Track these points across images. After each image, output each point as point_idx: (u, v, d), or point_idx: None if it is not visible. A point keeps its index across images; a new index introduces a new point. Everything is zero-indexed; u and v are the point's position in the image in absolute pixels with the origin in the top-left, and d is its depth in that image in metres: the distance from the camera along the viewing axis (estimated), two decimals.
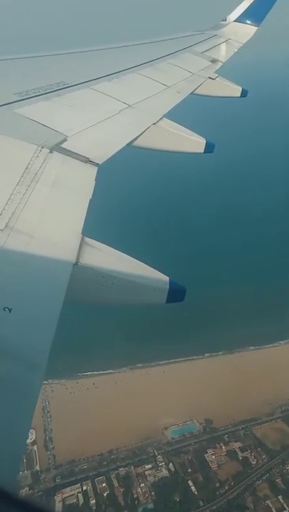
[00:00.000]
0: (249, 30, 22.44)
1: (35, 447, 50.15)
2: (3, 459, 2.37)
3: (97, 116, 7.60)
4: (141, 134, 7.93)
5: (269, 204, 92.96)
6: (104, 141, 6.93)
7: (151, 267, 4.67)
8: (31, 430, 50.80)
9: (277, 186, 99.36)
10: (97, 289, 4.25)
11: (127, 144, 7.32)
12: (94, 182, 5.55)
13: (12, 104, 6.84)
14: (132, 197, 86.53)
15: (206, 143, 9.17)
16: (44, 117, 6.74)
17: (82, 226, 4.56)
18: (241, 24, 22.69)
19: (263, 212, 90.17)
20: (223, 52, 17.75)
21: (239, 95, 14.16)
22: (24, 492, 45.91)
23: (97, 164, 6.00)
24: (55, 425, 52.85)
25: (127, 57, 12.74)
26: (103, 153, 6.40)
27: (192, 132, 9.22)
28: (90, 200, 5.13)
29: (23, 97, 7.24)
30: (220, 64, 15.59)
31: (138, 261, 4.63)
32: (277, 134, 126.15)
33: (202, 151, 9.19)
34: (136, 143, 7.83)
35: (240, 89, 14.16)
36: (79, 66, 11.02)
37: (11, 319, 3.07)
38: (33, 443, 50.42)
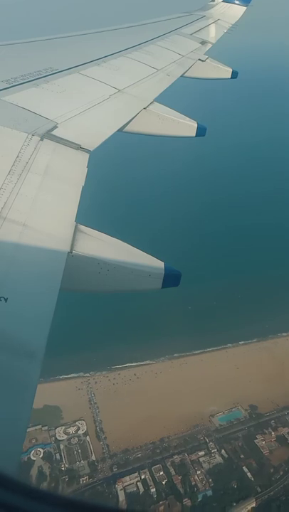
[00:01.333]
0: (238, 10, 22.20)
1: (87, 438, 50.82)
2: (3, 448, 2.38)
3: (87, 102, 7.51)
4: (132, 119, 7.86)
5: (263, 187, 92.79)
6: (95, 128, 6.86)
7: (146, 253, 4.67)
8: (82, 421, 52.10)
9: (271, 172, 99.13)
10: (93, 276, 4.24)
11: (118, 130, 7.25)
12: (86, 169, 5.50)
13: (0, 92, 6.74)
14: (124, 183, 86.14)
15: (198, 126, 9.11)
16: (33, 104, 6.65)
17: (75, 214, 4.53)
18: (230, 4, 22.42)
19: (260, 196, 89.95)
20: (213, 34, 17.55)
21: (230, 77, 14.05)
22: (84, 481, 47.00)
23: (88, 151, 5.94)
24: (104, 416, 53.41)
25: (115, 41, 12.57)
26: (94, 139, 6.33)
27: (183, 116, 9.15)
28: (83, 187, 5.09)
29: (11, 84, 7.13)
30: (209, 45, 15.44)
31: (133, 247, 4.62)
32: (270, 115, 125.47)
33: (194, 134, 9.14)
34: (127, 128, 7.77)
35: (231, 70, 14.04)
36: (67, 51, 10.86)
37: (6, 309, 3.07)
38: (85, 434, 51.15)
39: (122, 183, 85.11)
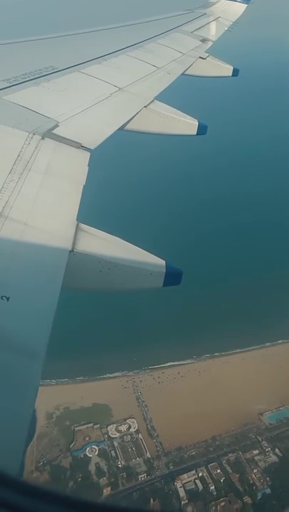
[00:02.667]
0: (239, 7, 22.17)
1: (140, 435, 50.96)
2: (4, 447, 2.39)
3: (88, 100, 7.51)
4: (133, 118, 7.86)
5: (265, 184, 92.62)
6: (96, 126, 6.87)
7: (147, 251, 4.67)
8: (132, 419, 52.29)
9: (274, 169, 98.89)
10: (95, 275, 4.25)
11: (119, 128, 7.25)
12: (87, 168, 5.51)
13: (0, 91, 6.75)
14: (125, 182, 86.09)
15: (199, 124, 9.11)
16: (34, 103, 6.65)
17: (76, 213, 4.54)
18: (231, 2, 22.39)
19: (261, 192, 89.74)
20: (213, 31, 17.52)
21: (231, 74, 14.03)
22: (142, 478, 47.48)
23: (89, 150, 5.95)
24: (153, 414, 53.45)
25: (116, 39, 12.56)
26: (95, 138, 6.34)
27: (184, 114, 9.15)
28: (84, 186, 5.10)
29: (11, 83, 7.14)
30: (210, 43, 15.40)
31: (134, 245, 4.63)
32: (271, 113, 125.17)
33: (195, 132, 9.13)
34: (128, 127, 7.77)
35: (232, 68, 14.01)
36: (67, 50, 10.86)
37: (8, 308, 3.07)
38: (137, 432, 51.33)
39: (123, 181, 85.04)
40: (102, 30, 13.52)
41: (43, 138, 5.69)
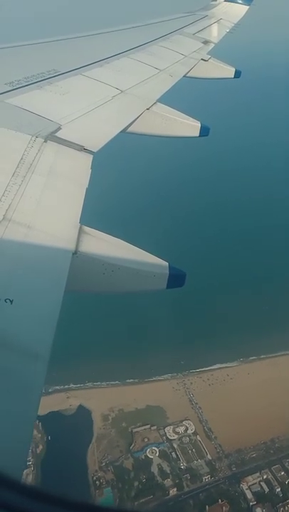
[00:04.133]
0: (240, 9, 22.19)
1: (198, 437, 51.20)
2: (8, 449, 2.39)
3: (90, 103, 7.53)
4: (135, 120, 7.87)
5: (268, 188, 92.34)
6: (99, 129, 6.88)
7: (150, 253, 4.67)
8: (188, 421, 52.45)
9: (277, 172, 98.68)
10: (98, 277, 4.25)
11: (122, 131, 7.27)
12: (90, 170, 5.52)
13: (3, 95, 6.78)
14: (128, 184, 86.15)
15: (201, 126, 9.11)
16: (37, 106, 6.67)
17: (79, 215, 4.55)
18: (232, 4, 22.42)
19: (263, 197, 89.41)
20: (215, 33, 17.55)
21: (233, 76, 14.03)
22: (206, 479, 47.58)
23: (92, 152, 5.96)
24: (208, 416, 53.51)
25: (118, 42, 12.59)
26: (98, 140, 6.35)
27: (186, 116, 9.15)
28: (87, 188, 5.11)
29: (14, 87, 7.16)
30: (212, 45, 15.43)
31: (137, 247, 4.63)
32: (273, 115, 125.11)
33: (197, 134, 9.13)
34: (130, 129, 7.78)
35: (234, 70, 14.02)
36: (69, 53, 10.89)
37: (12, 310, 3.08)
38: (195, 433, 51.50)
39: (126, 184, 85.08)
40: (104, 33, 13.55)
41: (45, 141, 5.71)
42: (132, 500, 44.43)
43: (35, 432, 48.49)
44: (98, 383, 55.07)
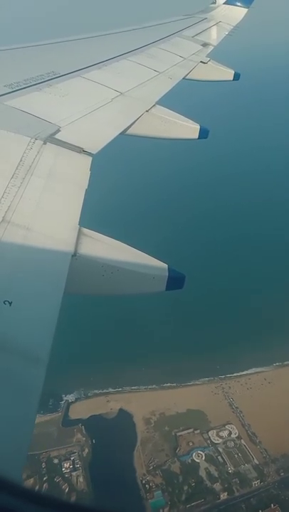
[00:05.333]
0: (239, 12, 22.23)
1: (242, 441, 51.15)
2: (7, 453, 2.38)
3: (90, 105, 7.54)
4: (134, 122, 7.88)
5: (268, 191, 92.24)
6: (98, 131, 6.89)
7: (150, 255, 4.67)
8: (231, 425, 52.36)
9: (276, 174, 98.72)
10: (97, 279, 4.24)
11: (121, 133, 7.27)
12: (89, 172, 5.52)
13: (3, 97, 6.78)
14: (128, 186, 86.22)
15: (200, 128, 9.11)
16: (36, 108, 6.68)
17: (79, 217, 4.55)
18: (231, 6, 22.46)
19: (263, 200, 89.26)
20: (214, 36, 17.58)
21: (232, 79, 14.04)
22: (256, 484, 47.24)
23: (91, 154, 5.96)
24: (250, 420, 53.44)
25: (117, 44, 12.61)
26: (97, 142, 6.36)
27: (186, 118, 9.16)
28: (86, 190, 5.11)
29: (13, 89, 7.17)
30: (211, 47, 15.45)
31: (136, 250, 4.62)
32: (272, 117, 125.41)
33: (196, 137, 9.13)
34: (129, 131, 7.78)
35: (233, 72, 14.03)
36: (69, 55, 10.91)
37: (11, 313, 3.07)
38: (239, 437, 51.44)
39: (125, 186, 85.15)
40: (104, 36, 13.57)
41: (44, 143, 5.71)
42: (183, 503, 44.72)
43: (79, 436, 49.79)
44: (135, 387, 55.47)
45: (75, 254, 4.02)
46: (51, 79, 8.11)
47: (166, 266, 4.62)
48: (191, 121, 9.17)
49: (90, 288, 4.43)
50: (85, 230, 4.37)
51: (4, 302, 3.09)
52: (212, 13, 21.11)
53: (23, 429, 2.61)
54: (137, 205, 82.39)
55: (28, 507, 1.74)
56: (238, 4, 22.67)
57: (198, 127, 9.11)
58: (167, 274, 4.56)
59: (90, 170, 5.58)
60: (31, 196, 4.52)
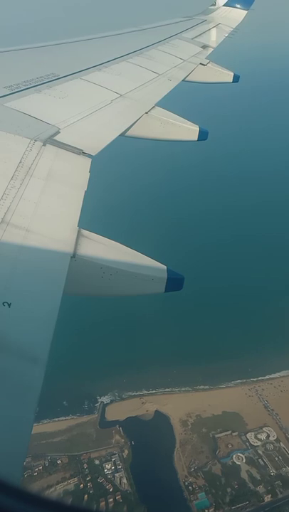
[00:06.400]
0: (239, 14, 22.27)
1: (281, 444, 50.83)
2: (5, 452, 2.38)
3: (89, 107, 7.55)
4: (134, 124, 7.89)
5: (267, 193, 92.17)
6: (97, 132, 6.89)
7: (149, 257, 4.67)
8: (268, 428, 52.13)
9: (276, 175, 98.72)
10: (96, 280, 4.25)
11: (121, 134, 7.28)
12: (88, 174, 5.52)
13: (2, 98, 6.78)
14: (127, 188, 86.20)
15: (200, 130, 9.13)
16: (36, 110, 6.68)
17: (78, 218, 4.55)
18: (231, 8, 22.50)
19: (263, 202, 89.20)
20: (214, 38, 17.60)
21: (231, 81, 14.07)
22: None
23: (90, 156, 5.97)
24: (287, 422, 52.96)
25: (117, 46, 12.62)
26: (96, 144, 6.36)
27: (185, 120, 9.17)
28: (85, 192, 5.11)
29: (13, 91, 7.17)
30: (211, 49, 15.47)
31: (136, 251, 4.63)
32: (272, 119, 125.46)
33: (196, 138, 9.15)
34: (129, 133, 7.79)
35: (232, 74, 14.06)
36: (68, 57, 10.92)
37: (10, 314, 3.08)
38: (277, 440, 51.16)
39: (125, 187, 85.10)
40: (103, 38, 13.59)
41: (44, 144, 5.71)
42: (228, 505, 44.65)
43: (118, 437, 49.97)
44: (168, 389, 55.46)
45: (74, 256, 4.03)
46: (51, 80, 8.12)
47: (165, 267, 4.62)
48: (190, 122, 9.19)
49: (89, 289, 4.43)
50: (84, 232, 4.37)
51: (3, 303, 3.09)
52: (212, 15, 21.14)
53: (21, 428, 2.61)
54: (136, 206, 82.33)
55: (25, 507, 1.74)
56: (238, 6, 22.71)
57: (198, 129, 9.13)
58: (166, 276, 4.56)
59: (90, 171, 5.59)
60: (31, 197, 4.52)
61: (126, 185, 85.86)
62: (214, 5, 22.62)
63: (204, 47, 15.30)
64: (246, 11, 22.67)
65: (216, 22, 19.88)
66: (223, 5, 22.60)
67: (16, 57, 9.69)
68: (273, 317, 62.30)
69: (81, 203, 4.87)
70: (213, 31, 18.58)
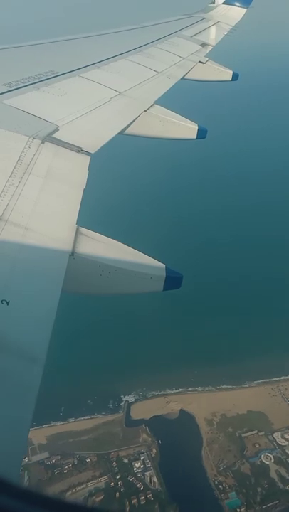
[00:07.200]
0: (238, 12, 22.26)
1: None
2: (3, 451, 2.38)
3: (88, 104, 7.53)
4: (132, 122, 7.87)
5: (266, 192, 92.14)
6: (96, 130, 6.88)
7: (148, 255, 4.67)
8: None
9: (275, 174, 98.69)
10: (95, 279, 4.24)
11: (119, 132, 7.27)
12: (87, 172, 5.51)
13: (1, 96, 6.77)
14: (126, 186, 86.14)
15: (199, 128, 9.12)
16: (34, 107, 6.67)
17: (77, 216, 4.55)
18: (230, 6, 22.49)
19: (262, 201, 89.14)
20: (213, 36, 17.59)
21: (230, 79, 14.06)
22: None
23: (89, 154, 5.96)
24: None
25: (116, 44, 12.60)
26: (95, 142, 6.35)
27: (184, 118, 9.16)
28: (84, 189, 5.10)
29: (12, 88, 7.15)
30: (210, 47, 15.46)
31: (134, 249, 4.62)
32: (271, 117, 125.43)
33: (195, 136, 9.15)
34: (128, 131, 7.78)
35: (231, 72, 14.05)
36: (67, 54, 10.89)
37: (8, 312, 3.07)
38: None
39: (123, 185, 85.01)
40: (102, 35, 13.56)
41: (43, 142, 5.70)
42: (259, 504, 44.68)
43: (144, 436, 50.27)
44: (191, 389, 55.50)
45: (72, 254, 4.02)
46: (50, 78, 8.10)
47: (163, 266, 4.62)
48: (189, 121, 9.18)
49: (87, 287, 4.43)
50: (83, 230, 4.37)
51: (2, 301, 3.09)
52: (211, 12, 21.12)
53: (19, 428, 2.61)
54: (135, 204, 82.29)
55: (24, 507, 1.74)
56: (237, 4, 22.70)
57: (197, 127, 9.12)
58: (165, 274, 4.56)
59: (88, 169, 5.58)
60: (29, 195, 4.52)
61: (125, 184, 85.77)
62: (213, 3, 22.60)
63: (203, 45, 15.29)
64: (245, 9, 22.65)
65: (215, 20, 19.85)
66: (223, 3, 22.59)
67: (14, 54, 9.66)
68: (277, 316, 62.41)
69: (80, 201, 4.86)
70: (213, 29, 18.57)
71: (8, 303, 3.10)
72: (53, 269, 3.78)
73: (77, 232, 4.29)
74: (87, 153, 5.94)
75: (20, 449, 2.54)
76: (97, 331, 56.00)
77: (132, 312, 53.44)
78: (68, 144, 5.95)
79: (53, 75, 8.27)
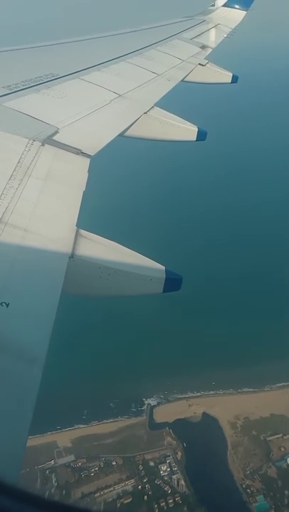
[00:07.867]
0: (238, 14, 22.30)
1: None
2: (2, 452, 2.38)
3: (88, 107, 7.55)
4: (132, 124, 7.89)
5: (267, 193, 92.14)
6: (96, 132, 6.90)
7: (147, 257, 4.68)
8: None
9: (275, 176, 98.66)
10: (94, 281, 4.25)
11: (119, 135, 7.28)
12: (87, 174, 5.53)
13: (1, 98, 6.78)
14: (125, 188, 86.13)
15: (198, 130, 9.14)
16: (34, 110, 6.68)
17: (76, 218, 4.56)
18: (230, 9, 22.52)
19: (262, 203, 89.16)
20: (213, 38, 17.62)
21: (230, 81, 14.09)
22: None
23: (89, 156, 5.97)
24: None
25: (116, 47, 12.62)
26: (95, 144, 6.36)
27: (184, 120, 9.19)
28: (84, 192, 5.11)
29: (12, 90, 7.17)
30: (210, 50, 15.49)
31: (134, 251, 4.63)
32: (271, 120, 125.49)
33: (194, 138, 9.17)
34: (128, 133, 7.79)
35: (231, 75, 14.08)
36: (68, 57, 10.92)
37: (8, 314, 3.08)
38: None
39: (123, 187, 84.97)
40: (102, 38, 13.59)
41: (43, 144, 5.72)
42: (287, 507, 44.63)
43: (169, 439, 50.09)
44: (213, 392, 55.37)
45: (72, 256, 4.03)
46: (50, 80, 8.12)
47: (163, 268, 4.63)
48: (189, 123, 9.20)
49: (87, 289, 4.44)
50: (83, 232, 4.38)
51: (1, 303, 3.10)
52: (211, 15, 21.16)
53: (19, 429, 2.61)
54: (134, 206, 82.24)
55: (23, 508, 1.74)
56: (237, 7, 22.74)
57: (197, 129, 9.14)
58: (164, 276, 4.57)
59: (88, 171, 5.59)
60: (29, 197, 4.53)
61: (125, 186, 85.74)
62: (213, 5, 22.64)
63: (203, 47, 15.32)
64: (245, 12, 22.70)
65: (215, 22, 19.89)
66: (223, 5, 22.62)
67: (14, 56, 9.69)
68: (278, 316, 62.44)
69: (79, 202, 4.87)
70: (212, 32, 18.60)
71: (7, 305, 3.11)
72: (52, 271, 3.79)
73: (77, 234, 4.30)
74: (87, 156, 5.95)
75: (19, 450, 2.54)
76: (101, 333, 55.75)
77: (131, 312, 53.41)
78: (68, 146, 5.97)
79: (53, 78, 8.29)
